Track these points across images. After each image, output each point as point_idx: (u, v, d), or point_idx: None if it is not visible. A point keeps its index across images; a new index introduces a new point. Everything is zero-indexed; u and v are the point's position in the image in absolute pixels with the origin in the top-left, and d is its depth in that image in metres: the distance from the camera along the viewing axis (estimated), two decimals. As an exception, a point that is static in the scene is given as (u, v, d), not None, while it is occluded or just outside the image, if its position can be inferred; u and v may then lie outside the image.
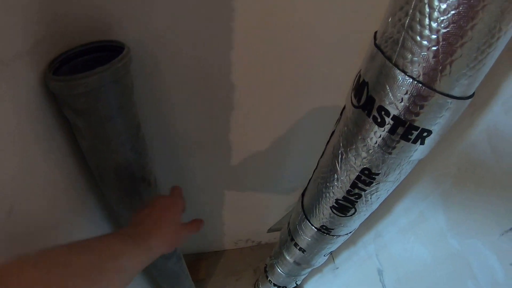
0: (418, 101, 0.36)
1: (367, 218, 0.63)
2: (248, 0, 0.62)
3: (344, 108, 0.47)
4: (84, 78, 0.53)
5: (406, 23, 0.34)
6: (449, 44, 0.32)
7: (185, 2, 0.61)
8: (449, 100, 0.35)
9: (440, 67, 0.33)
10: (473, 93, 0.38)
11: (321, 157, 0.55)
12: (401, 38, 0.35)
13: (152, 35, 0.65)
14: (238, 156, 1.07)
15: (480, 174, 0.54)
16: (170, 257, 1.05)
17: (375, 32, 0.40)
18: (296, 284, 1.01)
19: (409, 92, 0.36)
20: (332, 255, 1.09)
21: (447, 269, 0.63)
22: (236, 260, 1.73)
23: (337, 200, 0.53)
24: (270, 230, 1.59)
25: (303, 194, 0.68)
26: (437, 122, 0.38)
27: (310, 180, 0.62)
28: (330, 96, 0.87)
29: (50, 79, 0.54)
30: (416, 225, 0.70)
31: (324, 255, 0.76)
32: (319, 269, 1.14)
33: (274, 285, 0.96)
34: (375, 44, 0.39)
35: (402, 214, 0.74)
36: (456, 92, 0.35)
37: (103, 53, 0.62)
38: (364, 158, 0.44)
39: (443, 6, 0.30)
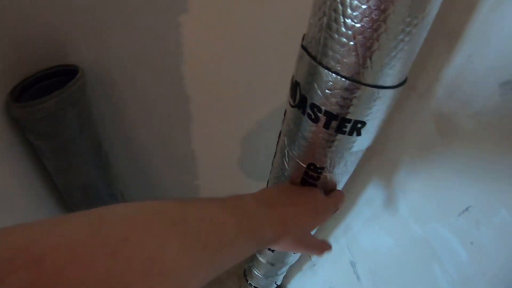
0: (345, 95, 0.36)
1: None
2: (197, 16, 0.62)
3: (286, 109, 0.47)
4: (42, 103, 0.53)
5: (324, 22, 0.34)
6: (365, 38, 0.32)
7: (135, 23, 0.61)
8: (376, 90, 0.35)
9: (361, 61, 0.33)
10: (405, 80, 0.38)
11: (273, 157, 0.55)
12: (322, 37, 0.35)
13: (107, 56, 0.64)
14: (203, 167, 1.05)
15: (431, 159, 0.53)
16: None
17: (304, 34, 0.40)
18: (277, 284, 0.99)
19: (335, 88, 0.35)
20: (309, 252, 1.07)
21: (413, 255, 0.62)
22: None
23: (292, 197, 0.53)
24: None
25: (263, 195, 0.67)
26: (368, 112, 0.37)
27: (268, 181, 0.61)
28: (281, 98, 0.86)
29: (11, 106, 0.54)
30: (379, 215, 0.69)
31: (293, 253, 0.75)
32: (299, 268, 1.12)
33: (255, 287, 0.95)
34: (302, 46, 0.39)
35: (366, 205, 0.73)
36: (382, 82, 0.35)
37: (63, 77, 0.62)
38: (307, 153, 0.44)
39: (354, 2, 0.30)
